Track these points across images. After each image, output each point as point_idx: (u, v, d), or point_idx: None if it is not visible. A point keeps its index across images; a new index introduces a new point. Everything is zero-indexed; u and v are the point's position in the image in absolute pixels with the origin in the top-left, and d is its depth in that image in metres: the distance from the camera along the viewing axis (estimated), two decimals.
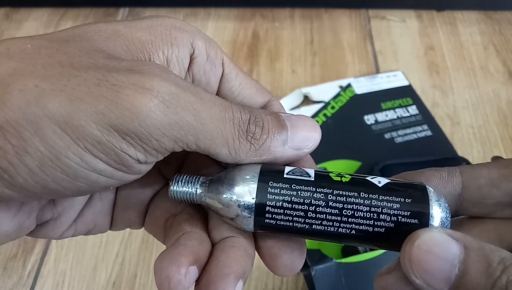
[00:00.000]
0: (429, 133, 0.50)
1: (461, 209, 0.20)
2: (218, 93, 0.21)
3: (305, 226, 0.18)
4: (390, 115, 0.51)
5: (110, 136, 0.15)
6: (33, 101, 0.14)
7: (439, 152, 0.48)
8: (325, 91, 0.53)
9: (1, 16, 0.64)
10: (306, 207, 0.17)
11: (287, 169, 0.18)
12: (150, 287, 0.40)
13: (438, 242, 0.16)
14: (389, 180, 0.18)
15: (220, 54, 0.21)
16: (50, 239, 0.43)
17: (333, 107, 0.51)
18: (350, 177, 0.18)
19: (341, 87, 0.53)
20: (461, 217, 0.21)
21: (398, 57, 0.58)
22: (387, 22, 0.62)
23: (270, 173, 0.18)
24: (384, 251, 0.35)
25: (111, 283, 0.41)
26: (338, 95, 0.52)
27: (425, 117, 0.51)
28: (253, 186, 0.18)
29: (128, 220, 0.22)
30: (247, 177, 0.18)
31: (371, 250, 0.37)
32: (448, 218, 0.18)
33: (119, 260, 0.42)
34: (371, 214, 0.17)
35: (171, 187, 0.19)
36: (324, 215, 0.17)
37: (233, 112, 0.17)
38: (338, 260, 0.35)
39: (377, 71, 0.57)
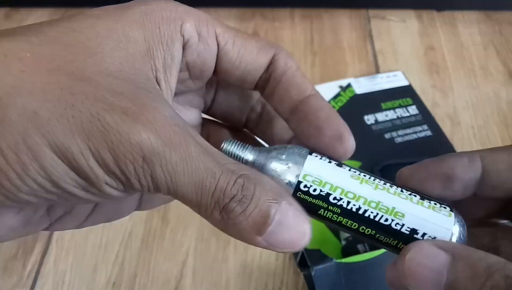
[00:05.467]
0: (429, 133, 0.49)
1: (480, 192, 0.20)
2: (217, 69, 0.20)
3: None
4: (390, 115, 0.51)
5: (97, 172, 0.15)
6: (31, 129, 0.14)
7: (439, 152, 0.48)
8: (325, 91, 0.53)
9: (1, 16, 0.64)
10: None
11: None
12: (150, 287, 0.40)
13: (427, 254, 0.17)
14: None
15: (212, 28, 0.20)
16: (54, 238, 0.43)
17: (333, 107, 0.51)
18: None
19: (341, 87, 0.53)
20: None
21: (398, 57, 0.58)
22: (387, 22, 0.62)
23: (317, 158, 0.19)
24: (383, 251, 0.35)
25: (111, 284, 0.41)
26: (338, 95, 0.52)
27: (425, 117, 0.51)
28: (298, 167, 0.18)
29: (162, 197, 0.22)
30: (293, 157, 0.18)
31: (371, 250, 0.37)
32: (465, 234, 0.19)
33: (119, 261, 0.42)
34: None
35: (224, 146, 0.19)
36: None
37: (215, 181, 0.16)
38: (338, 260, 0.35)
39: (377, 71, 0.57)
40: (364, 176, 0.19)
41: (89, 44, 0.17)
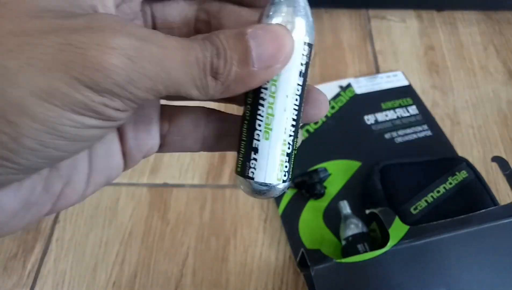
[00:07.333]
0: (429, 133, 0.50)
1: None
2: None
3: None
4: (390, 115, 0.51)
5: (90, 96, 0.15)
6: (6, 84, 0.14)
7: (439, 152, 0.48)
8: (325, 91, 0.52)
9: None
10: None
11: None
12: (150, 287, 0.40)
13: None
14: None
15: None
16: (54, 237, 0.43)
17: (333, 107, 0.51)
18: None
19: (341, 87, 0.53)
20: None
21: (398, 57, 0.58)
22: (387, 22, 0.62)
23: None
24: (384, 251, 0.36)
25: (111, 283, 0.41)
26: (338, 95, 0.52)
27: (425, 117, 0.51)
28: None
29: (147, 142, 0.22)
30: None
31: (371, 250, 0.37)
32: None
33: (119, 260, 0.42)
34: None
35: None
36: None
37: (196, 52, 0.17)
38: (338, 260, 0.35)
39: (377, 71, 0.57)
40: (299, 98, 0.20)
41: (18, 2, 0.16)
